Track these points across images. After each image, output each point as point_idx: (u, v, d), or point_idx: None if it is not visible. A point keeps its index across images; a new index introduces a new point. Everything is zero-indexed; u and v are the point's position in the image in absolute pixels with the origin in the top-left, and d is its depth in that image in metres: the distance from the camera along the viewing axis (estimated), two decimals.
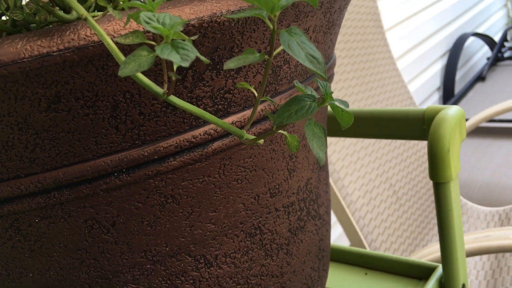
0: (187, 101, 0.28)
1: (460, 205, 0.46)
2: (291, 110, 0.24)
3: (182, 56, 0.18)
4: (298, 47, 0.22)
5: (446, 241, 0.46)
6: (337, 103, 0.26)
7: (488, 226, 1.23)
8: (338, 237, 1.51)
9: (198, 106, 0.28)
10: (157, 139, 0.28)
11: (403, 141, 1.22)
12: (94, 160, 0.27)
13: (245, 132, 0.26)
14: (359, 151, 1.09)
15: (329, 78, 0.40)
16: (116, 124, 0.26)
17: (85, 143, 0.26)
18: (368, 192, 1.06)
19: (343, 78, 1.12)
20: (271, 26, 0.22)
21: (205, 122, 0.29)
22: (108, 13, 0.23)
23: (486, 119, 1.39)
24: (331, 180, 0.98)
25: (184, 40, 0.19)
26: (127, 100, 0.26)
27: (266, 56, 0.23)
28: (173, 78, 0.21)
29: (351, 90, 1.13)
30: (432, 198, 1.27)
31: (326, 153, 0.43)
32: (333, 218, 1.41)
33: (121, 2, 0.25)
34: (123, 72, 0.18)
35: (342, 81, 1.12)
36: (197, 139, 0.29)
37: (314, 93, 0.26)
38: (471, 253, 0.82)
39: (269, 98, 0.27)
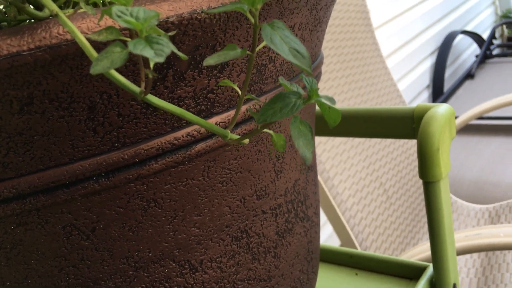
0: (168, 102, 0.27)
1: (450, 203, 0.46)
2: (276, 108, 0.23)
3: (157, 51, 0.17)
4: (281, 41, 0.21)
5: (436, 241, 0.46)
6: (323, 100, 0.25)
7: (479, 224, 1.23)
8: (328, 237, 1.51)
9: (180, 106, 0.27)
10: (138, 141, 0.27)
11: (393, 139, 1.22)
12: (71, 164, 0.26)
13: (229, 132, 0.25)
14: (349, 150, 1.08)
15: (317, 77, 0.39)
16: (93, 126, 0.25)
17: (61, 146, 0.25)
18: (358, 191, 1.05)
19: (332, 77, 1.11)
20: (253, 20, 0.21)
21: (188, 123, 0.28)
22: (81, 10, 0.22)
23: (475, 117, 1.40)
24: (321, 180, 0.97)
25: (160, 36, 0.18)
26: (105, 101, 0.25)
27: (248, 52, 0.22)
28: (150, 76, 0.20)
29: (340, 89, 1.12)
30: (423, 196, 1.27)
31: (314, 152, 0.42)
32: (323, 218, 1.41)
33: None
34: (95, 69, 0.17)
35: (331, 80, 1.11)
36: (179, 141, 0.28)
37: (300, 90, 0.25)
38: (462, 251, 0.82)
39: (253, 96, 0.27)
